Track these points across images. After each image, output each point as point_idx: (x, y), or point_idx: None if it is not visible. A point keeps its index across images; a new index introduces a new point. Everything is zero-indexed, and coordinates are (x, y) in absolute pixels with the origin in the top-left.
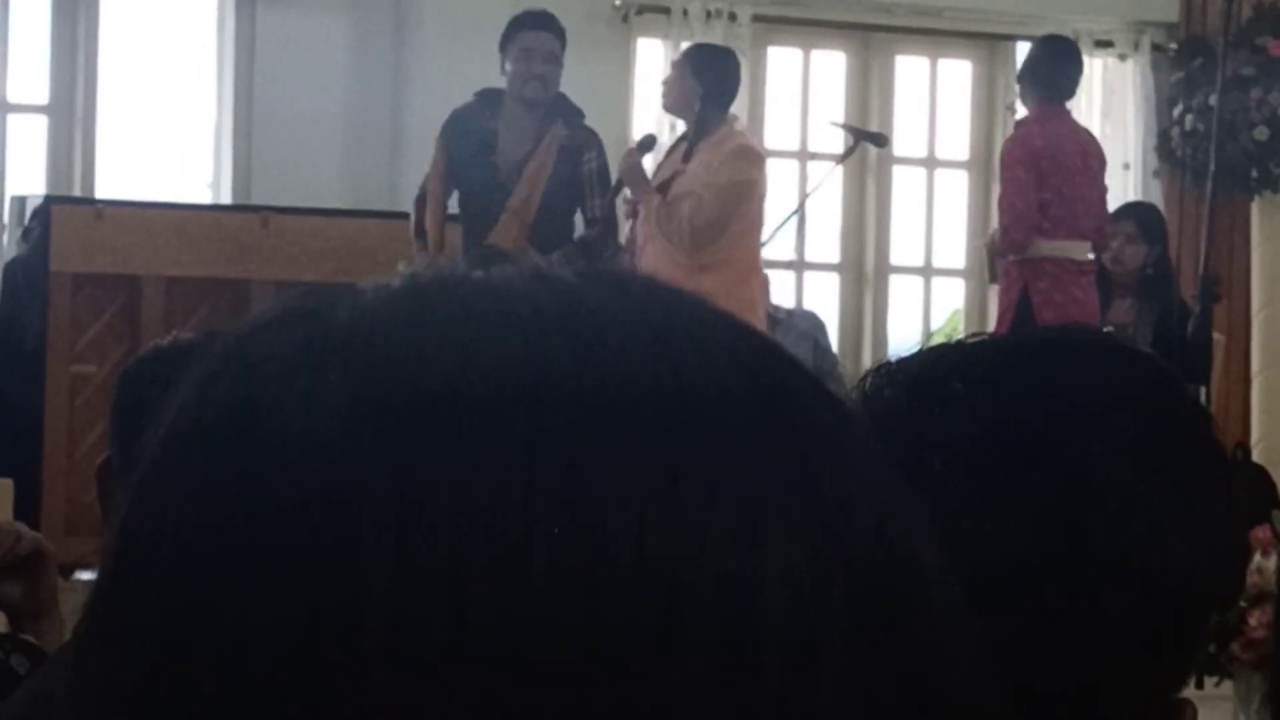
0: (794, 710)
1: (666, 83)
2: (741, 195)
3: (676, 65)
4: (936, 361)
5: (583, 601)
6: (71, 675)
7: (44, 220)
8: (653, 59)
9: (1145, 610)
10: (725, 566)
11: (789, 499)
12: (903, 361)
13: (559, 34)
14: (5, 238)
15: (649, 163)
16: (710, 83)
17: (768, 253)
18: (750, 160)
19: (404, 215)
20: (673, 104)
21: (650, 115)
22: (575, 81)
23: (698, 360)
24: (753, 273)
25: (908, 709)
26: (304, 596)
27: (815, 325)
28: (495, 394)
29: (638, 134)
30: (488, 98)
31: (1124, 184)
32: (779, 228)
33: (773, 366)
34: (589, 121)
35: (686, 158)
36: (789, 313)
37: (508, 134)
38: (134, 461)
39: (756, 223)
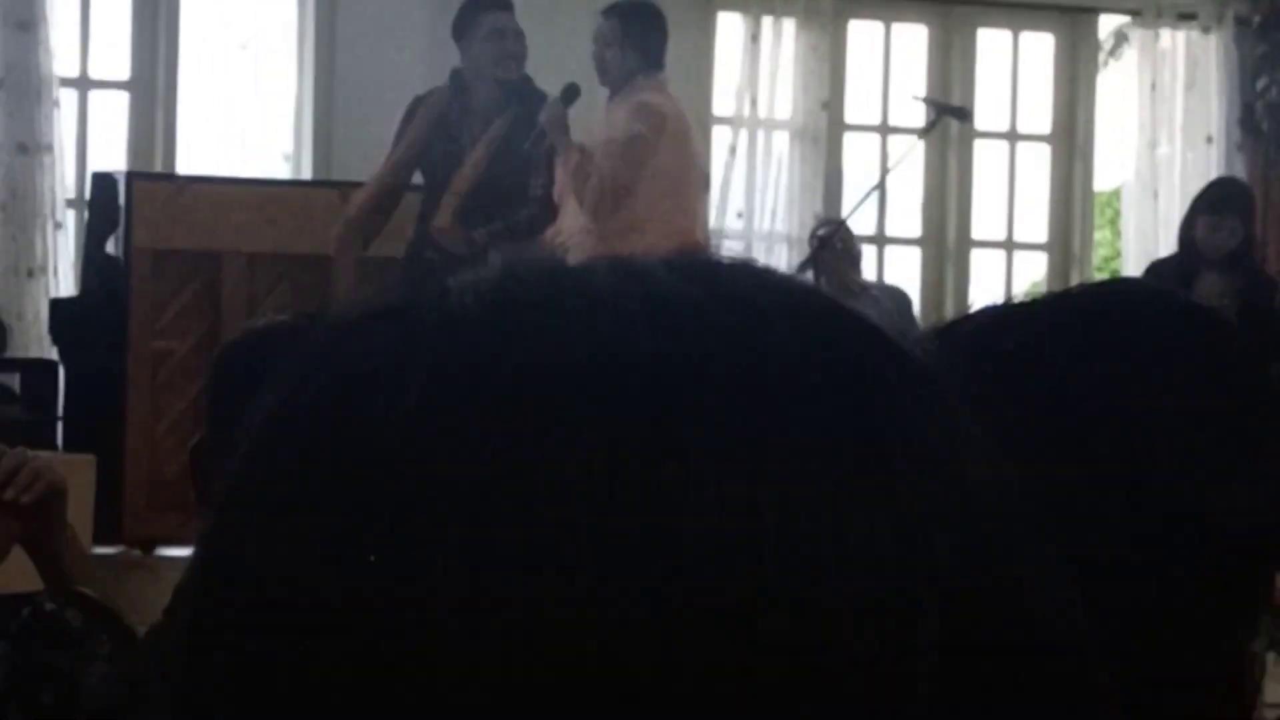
0: None
1: (595, 54)
2: (635, 156)
3: (602, 33)
4: (988, 323)
5: (648, 600)
6: (167, 655)
7: (126, 196)
8: (733, 33)
9: (1208, 560)
10: (799, 595)
11: (871, 516)
12: (954, 324)
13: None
14: (87, 213)
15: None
16: (636, 36)
17: (854, 225)
18: (643, 116)
19: None
20: (604, 71)
21: (732, 89)
22: None
23: (783, 358)
24: (670, 240)
25: None
26: (386, 593)
27: (900, 300)
28: (581, 392)
29: (720, 110)
30: (456, 79)
31: (1207, 158)
32: (861, 202)
33: (864, 358)
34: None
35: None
36: (869, 287)
37: (473, 116)
38: (228, 444)
39: (670, 185)
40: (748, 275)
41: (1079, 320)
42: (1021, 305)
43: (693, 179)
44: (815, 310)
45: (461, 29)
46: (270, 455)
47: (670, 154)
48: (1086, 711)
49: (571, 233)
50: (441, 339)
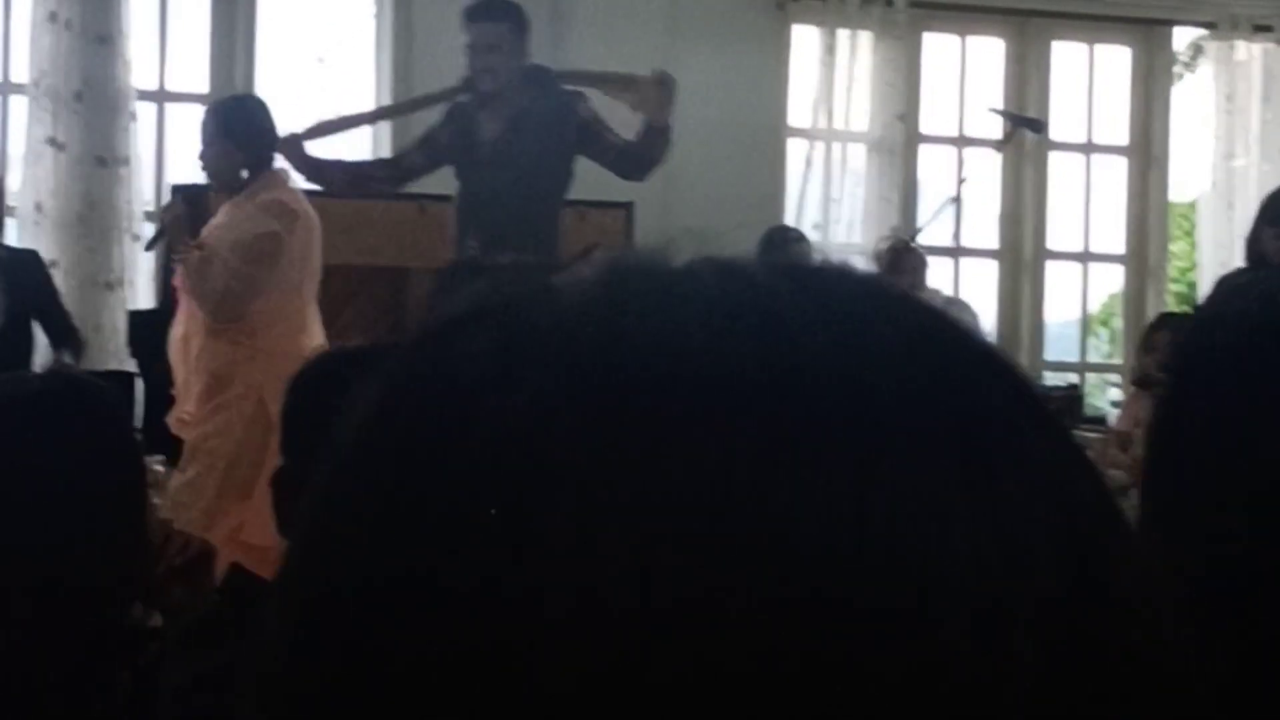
0: None
1: (201, 155)
2: (266, 251)
3: (204, 129)
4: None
5: (757, 602)
6: (266, 660)
7: (204, 209)
8: (808, 46)
9: None
10: (902, 602)
11: (976, 526)
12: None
13: (502, 19)
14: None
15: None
16: (242, 136)
17: (929, 238)
18: (276, 213)
19: (568, 203)
20: (214, 172)
21: (807, 102)
22: (731, 69)
23: (889, 365)
24: (295, 340)
25: None
26: (495, 594)
27: (968, 313)
28: (691, 393)
29: (795, 122)
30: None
31: None
32: (936, 214)
33: (968, 366)
34: (746, 108)
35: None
36: (937, 297)
37: (489, 119)
38: (313, 464)
39: (300, 286)
40: (850, 280)
41: None
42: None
43: (313, 282)
44: (918, 317)
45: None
46: (373, 456)
47: (297, 252)
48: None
49: (191, 336)
50: (549, 339)
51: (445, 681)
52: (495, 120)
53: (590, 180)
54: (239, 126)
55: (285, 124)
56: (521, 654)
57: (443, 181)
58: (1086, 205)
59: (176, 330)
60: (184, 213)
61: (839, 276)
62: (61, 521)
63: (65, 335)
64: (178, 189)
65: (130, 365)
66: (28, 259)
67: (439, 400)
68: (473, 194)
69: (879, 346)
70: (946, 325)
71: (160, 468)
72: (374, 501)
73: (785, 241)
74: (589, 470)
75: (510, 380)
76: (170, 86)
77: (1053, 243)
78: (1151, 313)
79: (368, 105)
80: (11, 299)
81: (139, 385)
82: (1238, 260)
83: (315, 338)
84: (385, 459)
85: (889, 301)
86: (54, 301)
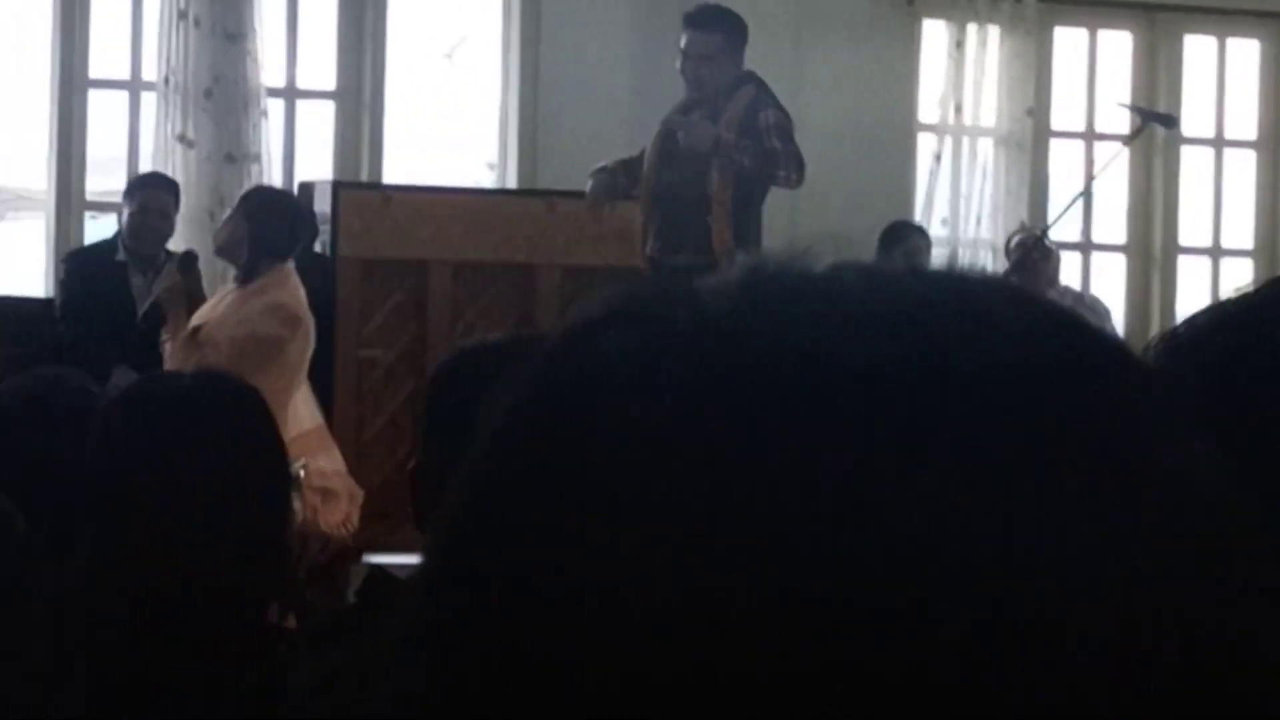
0: None
1: (217, 231)
2: (264, 354)
3: (236, 207)
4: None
5: (895, 607)
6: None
7: (333, 206)
8: (938, 41)
9: None
10: (1041, 609)
11: (1116, 536)
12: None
13: (715, 29)
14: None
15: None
16: (260, 225)
17: (1058, 233)
18: (282, 318)
19: None
20: (222, 242)
21: (936, 97)
22: (860, 64)
23: (1029, 371)
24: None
25: None
26: (634, 593)
27: (1100, 311)
28: (833, 398)
29: (925, 117)
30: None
31: None
32: (1065, 210)
33: (1109, 375)
34: (875, 103)
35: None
36: (1066, 295)
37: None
38: (451, 462)
39: (288, 387)
40: (990, 287)
41: None
42: (1234, 305)
43: (301, 380)
44: (1060, 324)
45: None
46: (514, 456)
47: (294, 358)
48: None
49: None
50: (690, 341)
51: (587, 678)
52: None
53: None
54: (260, 215)
55: (413, 121)
56: (661, 647)
57: (571, 178)
58: (1217, 199)
59: None
60: (180, 285)
61: (979, 283)
62: (208, 522)
63: None
64: (178, 256)
65: None
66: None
67: (579, 401)
68: (657, 196)
69: (1019, 354)
70: (1083, 330)
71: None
72: (516, 501)
73: (905, 236)
74: (728, 471)
75: (650, 382)
76: (300, 84)
77: (1183, 237)
78: None
79: (494, 102)
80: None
81: None
82: None
83: (303, 424)
84: (526, 458)
85: (1029, 309)
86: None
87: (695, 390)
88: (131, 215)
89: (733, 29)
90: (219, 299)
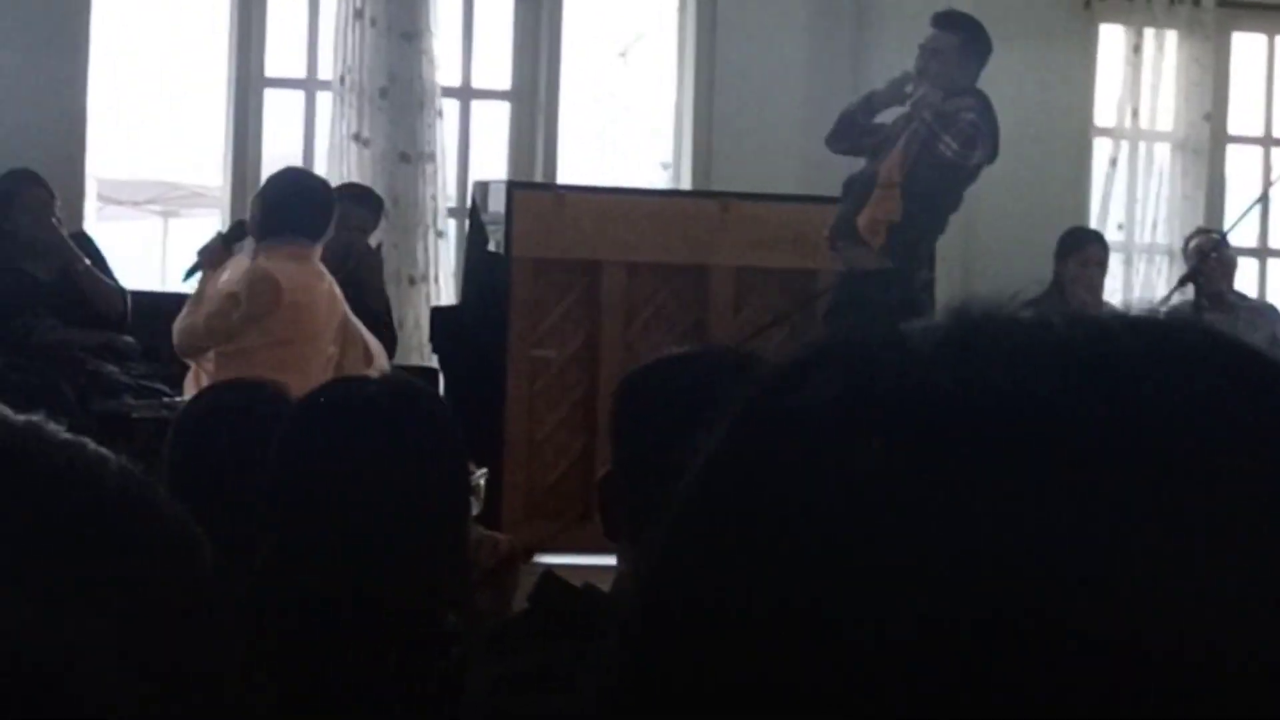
0: None
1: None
2: (222, 310)
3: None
4: None
5: (1090, 647)
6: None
7: (507, 206)
8: (1115, 45)
9: None
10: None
11: None
12: None
13: (954, 31)
14: (468, 222)
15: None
16: (270, 201)
17: (1235, 238)
18: (250, 279)
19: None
20: (250, 226)
21: (1113, 101)
22: (1037, 68)
23: (1232, 420)
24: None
25: None
26: (838, 625)
27: (1273, 317)
28: (1037, 438)
29: (1101, 121)
30: None
31: None
32: (1243, 215)
33: None
34: (1052, 108)
35: None
36: (1242, 301)
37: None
38: (637, 476)
39: (281, 355)
40: (1198, 333)
41: None
42: None
43: (314, 349)
44: (1263, 373)
45: None
46: (722, 493)
47: (279, 328)
48: None
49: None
50: (897, 386)
51: (787, 703)
52: (903, 121)
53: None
54: (270, 193)
55: (587, 120)
56: (859, 680)
57: (745, 179)
58: None
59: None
60: (218, 253)
61: (1189, 330)
62: (390, 527)
63: (381, 332)
64: (223, 232)
65: (433, 361)
66: (369, 254)
67: (787, 442)
68: (849, 178)
69: (1223, 403)
70: None
71: (482, 480)
72: (724, 537)
73: (1083, 243)
74: (937, 515)
75: (857, 425)
76: (475, 83)
77: None
78: None
79: (669, 102)
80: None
81: (440, 380)
82: None
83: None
84: (735, 496)
85: (1235, 357)
86: (380, 298)
87: (900, 434)
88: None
89: (971, 37)
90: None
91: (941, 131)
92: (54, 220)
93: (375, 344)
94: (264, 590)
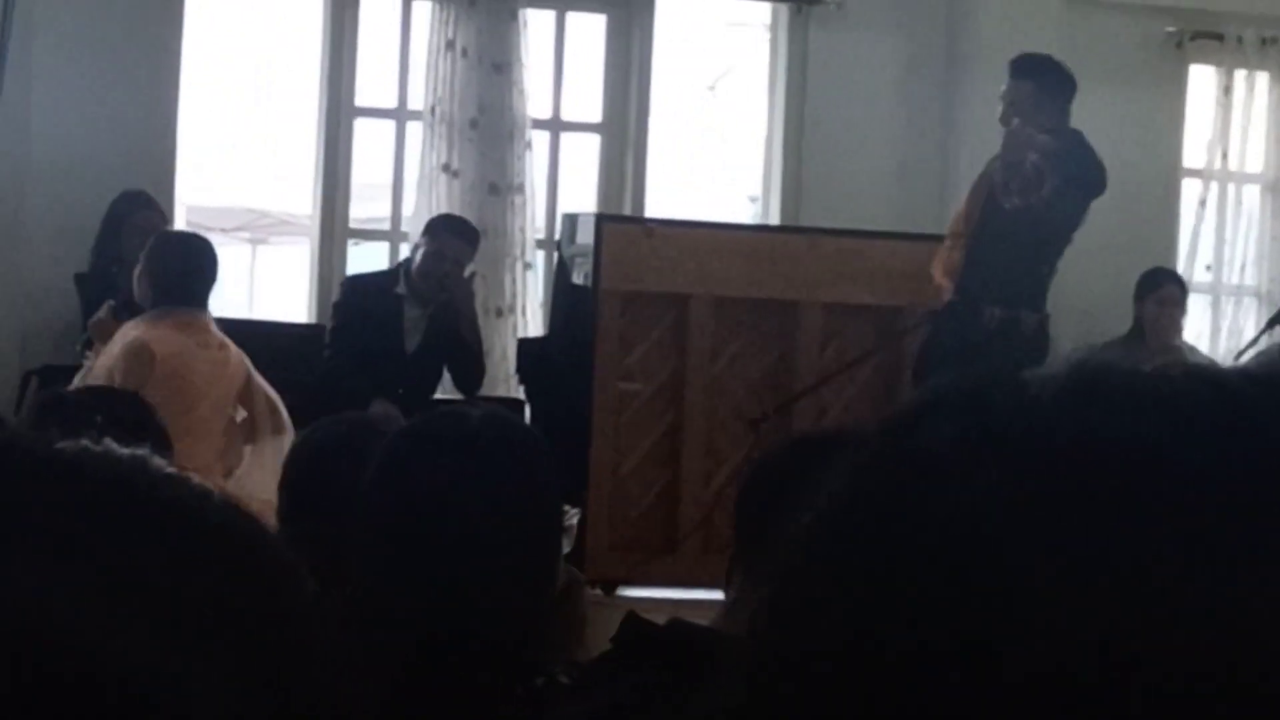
0: None
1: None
2: (95, 380)
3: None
4: None
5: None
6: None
7: (596, 238)
8: (1206, 86)
9: None
10: None
11: None
12: None
13: (1025, 77)
14: (556, 254)
15: None
16: (154, 269)
17: None
18: (123, 351)
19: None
20: (136, 293)
21: (1203, 142)
22: (1126, 108)
23: None
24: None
25: None
26: (962, 670)
27: None
28: (1154, 487)
29: (1190, 162)
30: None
31: None
32: None
33: None
34: (1141, 148)
35: None
36: None
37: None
38: (767, 545)
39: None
40: None
41: None
42: None
43: (196, 418)
44: None
45: None
46: (843, 536)
47: (162, 394)
48: None
49: None
50: (1017, 433)
51: None
52: (998, 171)
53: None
54: (157, 262)
55: (676, 153)
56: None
57: (834, 215)
58: None
59: None
60: (108, 326)
61: None
62: (483, 562)
63: (471, 363)
64: (113, 304)
65: (518, 393)
66: (463, 284)
67: (907, 486)
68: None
69: None
70: None
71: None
72: (844, 579)
73: (1160, 283)
74: (1052, 559)
75: (977, 470)
76: (565, 115)
77: None
78: None
79: (758, 136)
80: (432, 325)
81: (525, 412)
82: None
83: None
84: (855, 539)
85: None
86: (473, 328)
87: (1019, 481)
88: (427, 255)
89: (1046, 79)
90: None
91: (1008, 180)
92: None
93: (282, 413)
94: (354, 621)
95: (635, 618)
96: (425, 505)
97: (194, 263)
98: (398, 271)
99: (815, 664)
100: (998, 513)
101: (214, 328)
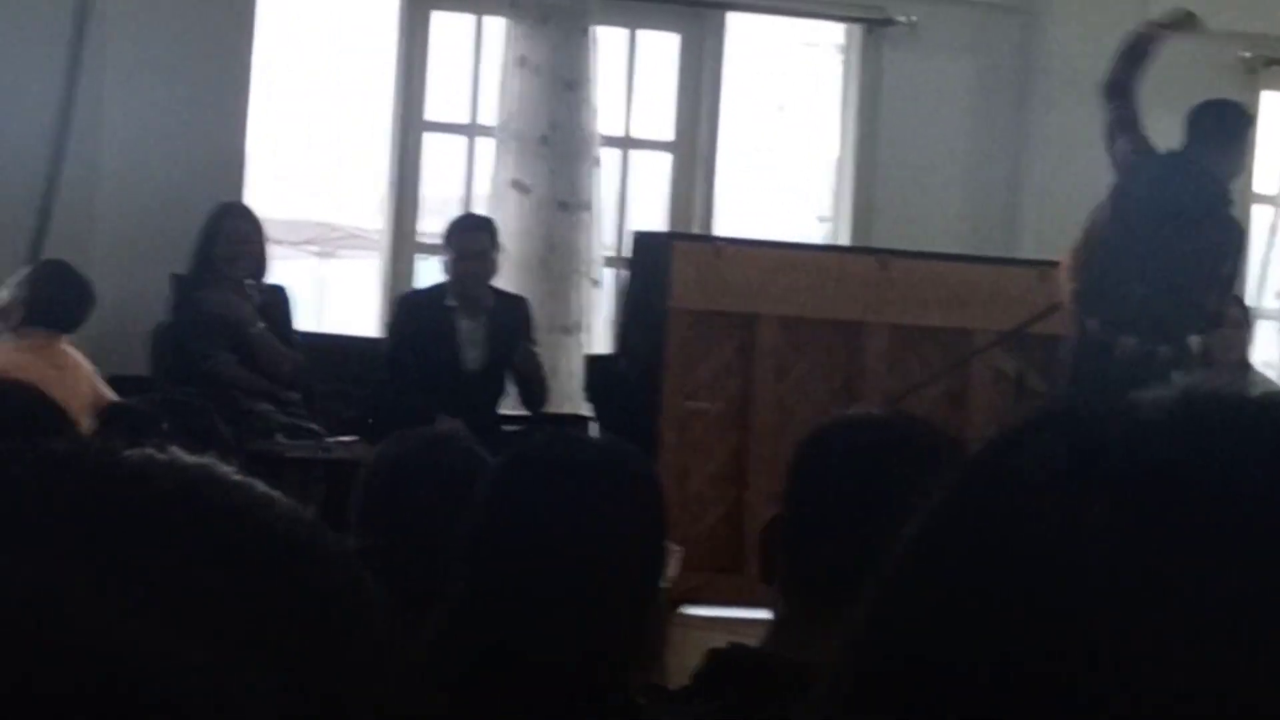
0: None
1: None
2: None
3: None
4: None
5: None
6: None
7: (665, 257)
8: (1276, 111)
9: None
10: None
11: None
12: None
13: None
14: (627, 272)
15: None
16: (28, 290)
17: None
18: None
19: (1024, 263)
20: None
21: (1272, 168)
22: None
23: None
24: None
25: None
26: (1051, 697)
27: None
28: (1257, 517)
29: (1260, 188)
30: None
31: None
32: None
33: None
34: None
35: None
36: None
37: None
38: (809, 528)
39: None
40: None
41: None
42: None
43: None
44: None
45: None
46: (942, 550)
47: None
48: None
49: None
50: (1123, 455)
51: None
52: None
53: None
54: (29, 286)
55: (746, 172)
56: None
57: (904, 236)
58: None
59: None
60: None
61: None
62: (583, 593)
63: (537, 384)
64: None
65: (585, 410)
66: (518, 304)
67: (1009, 503)
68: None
69: None
70: None
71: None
72: (942, 593)
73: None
74: (1157, 585)
75: (1080, 490)
76: (635, 133)
77: None
78: None
79: (829, 156)
80: (494, 342)
81: (593, 430)
82: None
83: None
84: (954, 554)
85: None
86: (527, 353)
87: (1123, 502)
88: (451, 262)
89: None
90: None
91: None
92: (247, 284)
93: None
94: (447, 640)
95: (719, 652)
96: (532, 527)
97: (64, 289)
98: (446, 285)
99: (910, 689)
100: (1102, 534)
101: (71, 350)
